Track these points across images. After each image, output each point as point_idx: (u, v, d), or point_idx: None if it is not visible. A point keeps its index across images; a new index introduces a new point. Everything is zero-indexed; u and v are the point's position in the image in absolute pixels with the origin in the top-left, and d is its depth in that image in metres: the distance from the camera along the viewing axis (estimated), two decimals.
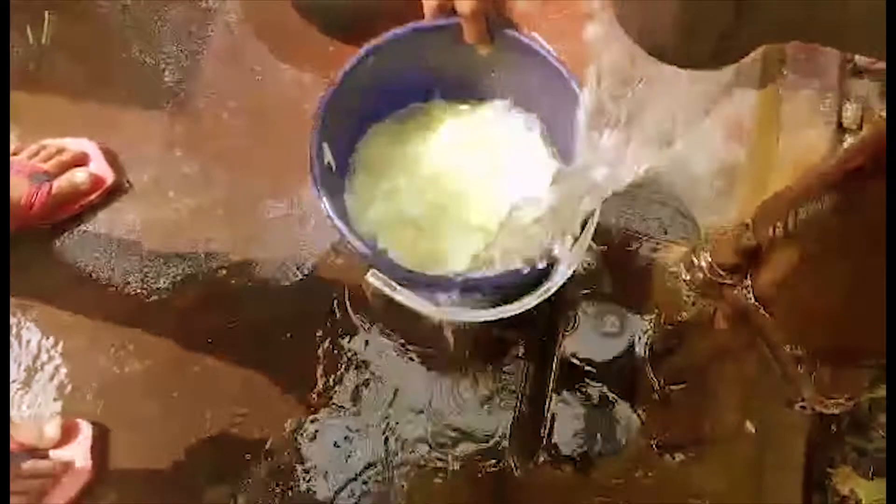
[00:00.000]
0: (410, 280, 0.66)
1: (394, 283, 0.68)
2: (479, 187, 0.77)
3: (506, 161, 0.77)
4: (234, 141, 0.96)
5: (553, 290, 0.64)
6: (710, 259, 0.46)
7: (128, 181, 0.93)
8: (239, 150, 0.96)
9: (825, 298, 0.43)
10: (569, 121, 0.66)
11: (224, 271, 0.90)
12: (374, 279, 0.68)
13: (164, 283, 0.89)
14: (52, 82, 0.97)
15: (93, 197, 0.91)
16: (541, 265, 0.58)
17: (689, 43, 0.28)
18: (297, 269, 0.90)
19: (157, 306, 0.88)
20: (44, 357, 0.85)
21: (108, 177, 0.92)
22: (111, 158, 0.93)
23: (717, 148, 0.92)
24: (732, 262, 0.45)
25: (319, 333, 0.86)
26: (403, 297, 0.68)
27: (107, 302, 0.88)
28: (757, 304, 0.46)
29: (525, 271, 0.59)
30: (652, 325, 0.69)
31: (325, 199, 0.65)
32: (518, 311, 0.65)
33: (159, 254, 0.90)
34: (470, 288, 0.64)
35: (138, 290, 0.88)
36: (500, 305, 0.65)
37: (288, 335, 0.87)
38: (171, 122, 0.97)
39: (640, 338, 0.72)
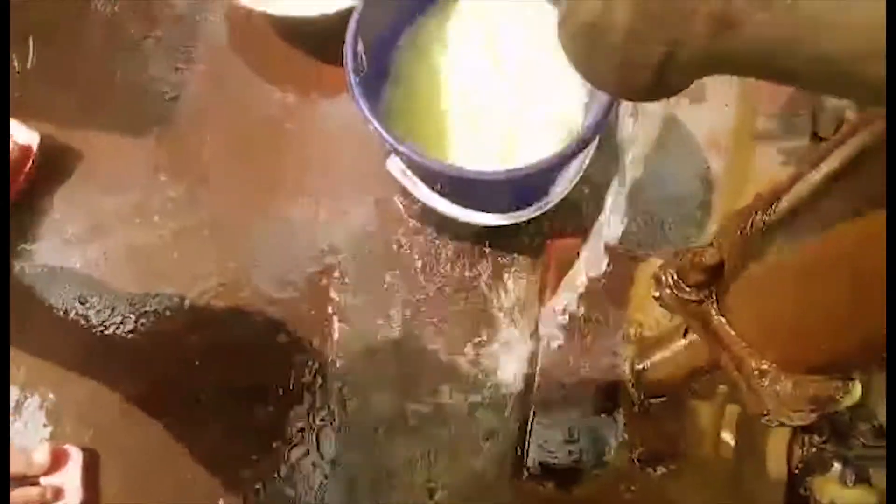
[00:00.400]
0: (438, 174, 0.72)
1: (413, 176, 0.75)
2: (506, 90, 0.83)
3: (535, 62, 0.83)
4: (220, 163, 0.97)
5: (552, 204, 0.77)
6: (675, 276, 0.47)
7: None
8: (224, 171, 0.97)
9: (787, 311, 0.44)
10: None
11: (211, 294, 0.90)
12: (394, 168, 0.74)
13: (151, 307, 0.89)
14: (35, 109, 0.97)
15: (28, 167, 0.93)
16: None
17: (629, 77, 0.29)
18: (285, 289, 0.91)
19: (144, 332, 0.88)
20: (33, 384, 0.85)
21: (33, 141, 0.93)
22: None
23: (697, 162, 0.93)
24: (697, 279, 0.46)
25: (309, 355, 0.87)
26: (420, 192, 0.76)
27: (93, 329, 0.88)
28: (721, 319, 0.46)
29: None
30: (631, 338, 0.70)
31: (357, 90, 0.72)
32: (527, 217, 0.76)
33: (145, 279, 0.91)
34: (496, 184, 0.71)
35: (125, 316, 0.89)
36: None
37: (277, 357, 0.87)
38: (155, 146, 0.98)
39: (619, 352, 0.72)
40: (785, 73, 0.28)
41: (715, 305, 0.46)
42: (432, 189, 0.77)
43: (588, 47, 0.29)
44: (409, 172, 0.76)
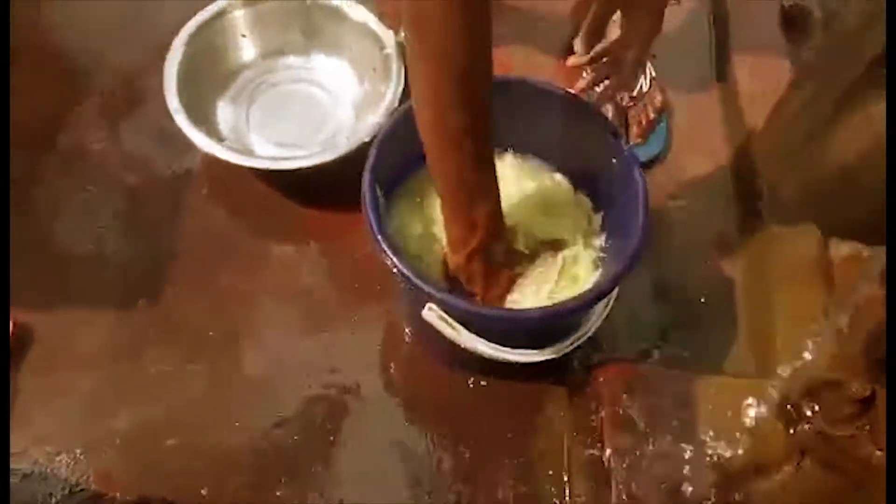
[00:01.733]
0: (479, 317, 0.69)
1: (453, 322, 0.70)
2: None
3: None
4: (214, 333, 0.89)
5: (587, 336, 0.73)
6: (817, 409, 0.44)
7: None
8: (219, 341, 0.88)
9: None
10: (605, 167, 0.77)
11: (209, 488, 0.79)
12: (431, 316, 0.69)
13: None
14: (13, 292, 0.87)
15: None
16: None
17: None
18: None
19: None
20: None
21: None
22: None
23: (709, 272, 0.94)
24: (848, 412, 0.43)
25: None
26: (464, 336, 0.70)
27: None
28: (879, 453, 0.43)
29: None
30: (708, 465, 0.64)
31: (381, 239, 0.69)
32: (565, 351, 0.72)
33: (131, 474, 0.80)
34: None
35: None
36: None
37: None
38: (141, 320, 0.89)
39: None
40: None
41: (868, 439, 0.43)
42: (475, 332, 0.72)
43: None
44: (448, 318, 0.72)
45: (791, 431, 0.46)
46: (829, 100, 0.47)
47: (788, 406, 0.46)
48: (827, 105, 0.47)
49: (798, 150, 0.56)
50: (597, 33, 0.70)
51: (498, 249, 0.73)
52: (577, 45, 0.72)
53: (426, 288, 0.68)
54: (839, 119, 0.47)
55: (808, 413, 0.44)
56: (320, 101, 1.04)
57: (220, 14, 0.98)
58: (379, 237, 0.71)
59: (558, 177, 0.85)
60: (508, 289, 0.77)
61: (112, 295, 0.90)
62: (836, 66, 0.45)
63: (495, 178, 0.68)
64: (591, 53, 0.71)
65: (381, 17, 0.99)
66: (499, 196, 0.69)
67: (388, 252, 0.70)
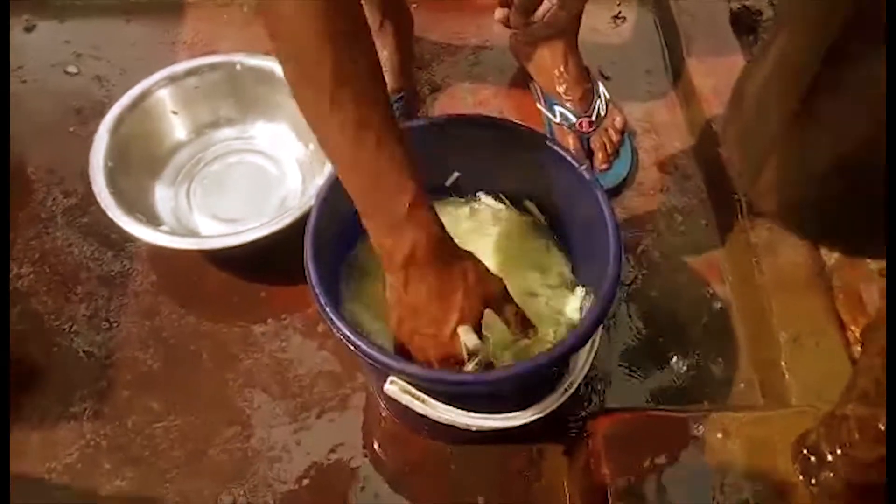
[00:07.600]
0: (445, 384, 0.63)
1: (419, 392, 0.64)
2: None
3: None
4: (173, 433, 0.81)
5: (574, 386, 0.65)
6: (839, 453, 0.36)
7: None
8: (180, 442, 0.80)
9: None
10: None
11: None
12: (395, 389, 0.63)
13: None
14: None
15: None
16: None
17: None
18: None
19: None
20: None
21: None
22: None
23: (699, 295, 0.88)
24: (879, 454, 0.35)
25: None
26: (435, 408, 0.64)
27: None
28: None
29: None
30: None
31: (328, 309, 0.64)
32: (546, 412, 0.65)
33: None
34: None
35: None
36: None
37: None
38: (91, 428, 0.81)
39: None
40: None
41: None
42: (449, 403, 0.65)
43: None
44: (414, 391, 0.64)
45: (812, 482, 0.38)
46: (811, 56, 0.32)
47: (804, 450, 0.38)
48: (809, 65, 0.32)
49: (774, 140, 0.36)
50: None
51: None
52: None
53: (382, 358, 0.61)
54: (830, 84, 0.29)
55: (830, 458, 0.36)
56: (264, 170, 0.98)
57: (144, 95, 0.93)
58: (327, 309, 0.65)
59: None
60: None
61: (57, 405, 0.82)
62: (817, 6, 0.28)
63: (415, 167, 0.57)
64: None
65: None
66: (423, 184, 0.57)
67: (336, 322, 0.63)
